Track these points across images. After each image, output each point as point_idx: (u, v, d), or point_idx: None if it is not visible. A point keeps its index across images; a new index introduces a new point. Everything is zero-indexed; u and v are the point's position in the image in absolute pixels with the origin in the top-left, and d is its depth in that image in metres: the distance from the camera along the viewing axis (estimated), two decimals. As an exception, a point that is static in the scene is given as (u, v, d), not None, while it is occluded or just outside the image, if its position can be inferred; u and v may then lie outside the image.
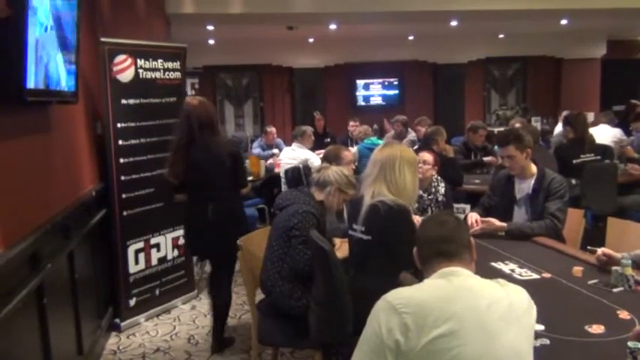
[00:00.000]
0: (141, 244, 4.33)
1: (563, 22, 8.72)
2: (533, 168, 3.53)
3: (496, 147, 7.02)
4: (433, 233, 1.74)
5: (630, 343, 1.79)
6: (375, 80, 11.32)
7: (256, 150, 8.00)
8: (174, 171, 3.64)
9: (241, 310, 4.44)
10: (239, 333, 4.03)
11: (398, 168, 2.78)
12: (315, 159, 6.56)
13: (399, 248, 2.54)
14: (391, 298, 1.56)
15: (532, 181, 3.49)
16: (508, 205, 3.58)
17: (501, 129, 10.61)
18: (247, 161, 6.28)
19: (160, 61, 4.42)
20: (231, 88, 11.08)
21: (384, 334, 1.51)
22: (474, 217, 3.52)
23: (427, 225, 1.80)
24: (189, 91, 9.21)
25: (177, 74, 4.57)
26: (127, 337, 4.06)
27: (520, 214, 3.54)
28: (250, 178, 5.89)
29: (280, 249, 3.01)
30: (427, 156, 4.09)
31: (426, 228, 1.79)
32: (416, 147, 7.23)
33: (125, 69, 4.17)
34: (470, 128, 6.61)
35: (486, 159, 6.28)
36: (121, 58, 4.13)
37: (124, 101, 4.17)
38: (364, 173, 2.89)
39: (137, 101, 4.26)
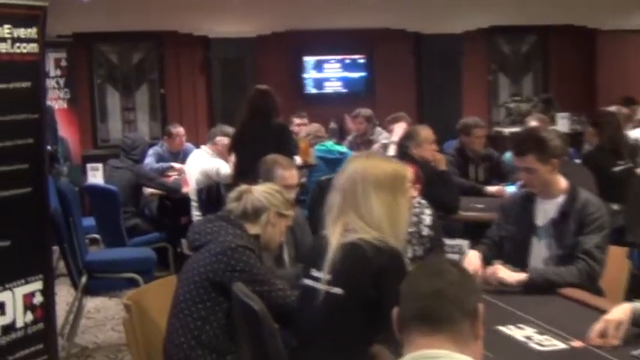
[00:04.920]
0: (-26, 305, 4.20)
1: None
2: (562, 183, 3.64)
3: (507, 155, 7.24)
4: (422, 287, 1.72)
5: None
6: (331, 57, 11.38)
7: (149, 160, 7.88)
8: None
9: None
10: None
11: (362, 193, 2.80)
12: (225, 168, 6.59)
13: (387, 310, 2.57)
14: None
15: (560, 202, 3.60)
16: (525, 236, 3.67)
17: (515, 129, 10.90)
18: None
19: (6, 27, 4.32)
20: (116, 66, 10.92)
21: None
22: (472, 261, 3.58)
23: (416, 274, 1.79)
24: (53, 71, 9.05)
25: (34, 46, 4.48)
26: None
27: (540, 249, 3.63)
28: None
29: (197, 303, 3.05)
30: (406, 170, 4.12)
31: (414, 278, 1.77)
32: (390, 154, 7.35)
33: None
34: (461, 129, 6.71)
35: (491, 190, 6.32)
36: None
37: (-50, 87, 4.07)
38: (327, 204, 2.93)
39: (-29, 87, 4.16)
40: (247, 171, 4.84)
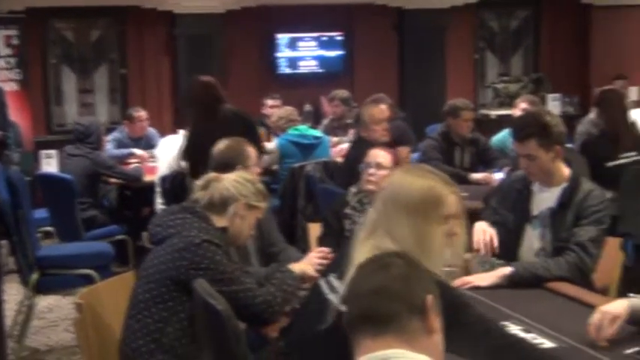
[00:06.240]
0: None
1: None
2: (565, 172, 3.66)
3: (494, 139, 7.24)
4: (365, 284, 1.71)
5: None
6: (307, 34, 11.35)
7: (108, 146, 7.88)
8: None
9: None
10: None
11: (392, 214, 2.59)
12: None
13: None
14: None
15: (560, 191, 3.62)
16: (518, 224, 3.70)
17: (502, 112, 10.94)
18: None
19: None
20: (72, 44, 10.82)
21: None
22: (488, 229, 3.63)
23: (361, 270, 1.78)
24: (3, 49, 8.97)
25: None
26: None
27: (532, 240, 3.66)
28: None
29: (158, 304, 3.04)
30: (382, 156, 4.14)
31: (358, 275, 1.77)
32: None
33: None
34: (448, 111, 6.72)
35: (476, 177, 6.36)
36: None
37: None
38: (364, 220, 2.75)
39: None
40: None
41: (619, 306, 2.80)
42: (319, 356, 2.59)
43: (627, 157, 5.65)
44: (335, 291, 2.60)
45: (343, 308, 2.43)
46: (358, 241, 2.63)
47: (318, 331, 2.57)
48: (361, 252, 2.55)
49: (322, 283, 2.71)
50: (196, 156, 5.68)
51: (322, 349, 2.55)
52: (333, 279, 2.65)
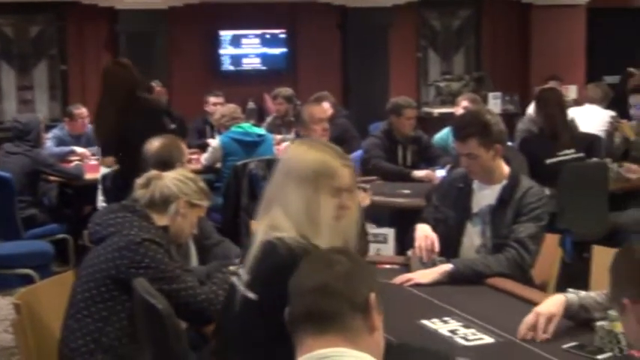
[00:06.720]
0: None
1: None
2: (505, 170, 3.70)
3: (436, 137, 7.32)
4: (308, 282, 1.72)
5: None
6: (250, 32, 11.32)
7: (50, 144, 7.78)
8: None
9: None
10: None
11: (283, 185, 2.63)
12: None
13: None
14: None
15: (499, 188, 3.66)
16: (459, 221, 3.74)
17: (444, 110, 11.04)
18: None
19: None
20: (11, 40, 10.68)
21: None
22: (429, 233, 3.61)
23: (305, 268, 1.78)
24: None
25: None
26: None
27: (473, 236, 3.71)
28: None
29: (98, 303, 3.02)
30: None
31: (301, 273, 1.77)
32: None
33: None
34: (391, 109, 6.75)
35: (419, 174, 6.38)
36: None
37: None
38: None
39: None
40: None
41: (553, 304, 2.84)
42: (237, 342, 2.61)
43: (565, 155, 5.75)
44: (241, 279, 2.63)
45: (248, 293, 2.53)
46: (258, 218, 2.68)
47: (230, 319, 2.62)
48: (258, 231, 2.63)
49: (234, 279, 2.73)
50: (111, 139, 5.65)
51: (238, 335, 2.59)
52: (240, 270, 2.68)
